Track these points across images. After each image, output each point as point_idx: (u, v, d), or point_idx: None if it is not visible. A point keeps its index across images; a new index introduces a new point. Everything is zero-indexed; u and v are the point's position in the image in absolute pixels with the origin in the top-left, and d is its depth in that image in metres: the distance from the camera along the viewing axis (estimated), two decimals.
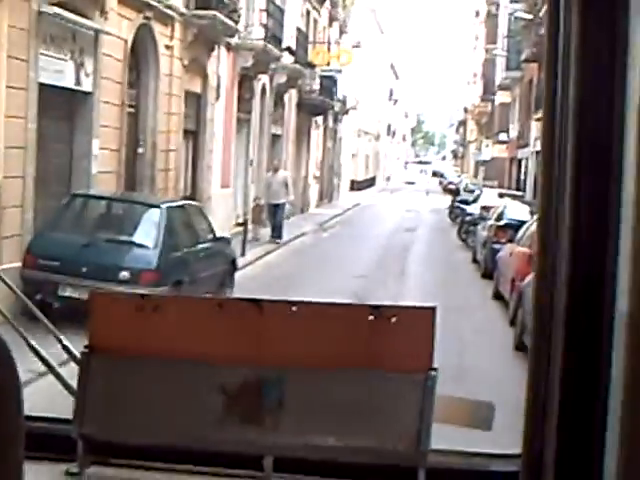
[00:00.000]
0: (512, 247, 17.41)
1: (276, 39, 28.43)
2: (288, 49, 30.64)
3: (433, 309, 2.58)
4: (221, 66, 24.68)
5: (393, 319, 2.56)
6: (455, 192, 43.68)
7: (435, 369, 2.56)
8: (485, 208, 28.06)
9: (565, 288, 2.01)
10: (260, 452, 2.62)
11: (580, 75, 2.00)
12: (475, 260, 24.85)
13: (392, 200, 58.54)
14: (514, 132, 51.47)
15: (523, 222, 19.03)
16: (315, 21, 40.17)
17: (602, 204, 1.95)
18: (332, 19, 44.82)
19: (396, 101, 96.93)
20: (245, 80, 27.56)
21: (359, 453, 2.60)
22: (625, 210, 1.87)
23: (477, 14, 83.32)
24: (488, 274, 20.50)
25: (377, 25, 70.49)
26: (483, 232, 23.40)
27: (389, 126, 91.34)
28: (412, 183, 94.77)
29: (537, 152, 44.39)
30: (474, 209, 31.06)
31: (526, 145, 44.79)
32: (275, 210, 26.51)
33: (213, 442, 2.64)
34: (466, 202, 35.93)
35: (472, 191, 41.82)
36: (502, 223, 21.54)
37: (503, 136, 56.30)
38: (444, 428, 2.59)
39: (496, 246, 20.33)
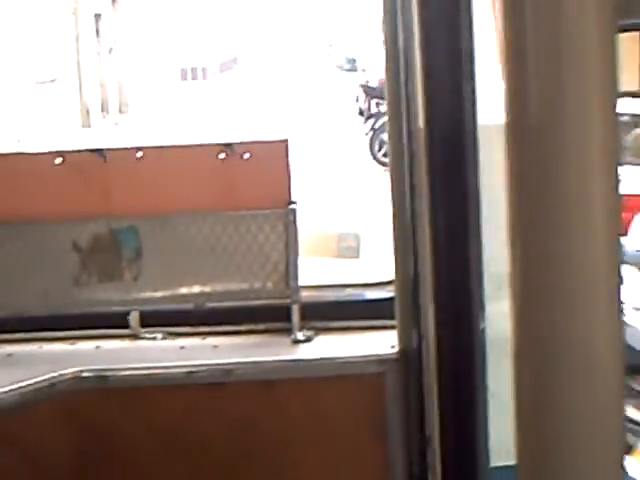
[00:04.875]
0: None
1: None
2: None
3: (286, 141, 2.55)
4: None
5: (246, 155, 2.54)
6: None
7: (294, 202, 2.56)
8: None
9: None
10: (124, 308, 2.62)
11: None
12: None
13: None
14: None
15: None
16: None
17: None
18: None
19: None
20: None
21: (228, 296, 2.60)
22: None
23: None
24: None
25: None
26: None
27: None
28: None
29: None
30: None
31: None
32: None
33: (73, 304, 2.60)
34: None
35: None
36: None
37: None
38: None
39: None
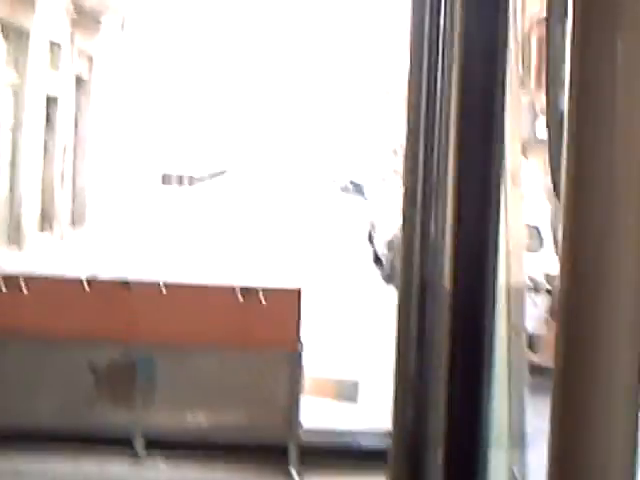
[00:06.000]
0: None
1: None
2: None
3: (299, 290, 2.88)
4: None
5: (261, 299, 2.80)
6: None
7: (302, 343, 2.83)
8: None
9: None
10: (131, 434, 2.80)
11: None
12: None
13: None
14: None
15: None
16: None
17: None
18: None
19: None
20: None
21: (230, 431, 2.85)
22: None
23: None
24: None
25: None
26: None
27: None
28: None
29: None
30: None
31: None
32: None
33: (84, 423, 2.81)
34: None
35: None
36: None
37: None
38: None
39: None
